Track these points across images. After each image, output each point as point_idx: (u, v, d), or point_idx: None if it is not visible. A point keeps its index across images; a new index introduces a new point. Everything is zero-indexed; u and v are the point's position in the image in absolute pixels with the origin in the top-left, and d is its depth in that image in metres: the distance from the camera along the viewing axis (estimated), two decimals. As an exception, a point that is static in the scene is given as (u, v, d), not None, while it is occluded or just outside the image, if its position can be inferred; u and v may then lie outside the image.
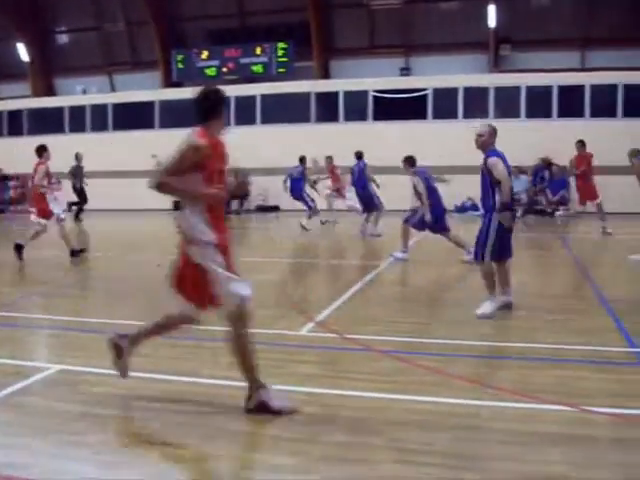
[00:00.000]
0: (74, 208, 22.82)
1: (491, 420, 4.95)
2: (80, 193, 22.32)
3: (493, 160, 7.87)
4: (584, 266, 11.46)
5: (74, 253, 13.06)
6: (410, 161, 12.51)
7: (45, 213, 12.86)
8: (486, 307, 7.91)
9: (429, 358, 6.27)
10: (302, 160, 19.76)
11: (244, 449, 4.38)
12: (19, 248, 12.51)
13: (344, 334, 7.04)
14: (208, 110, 5.08)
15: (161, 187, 4.76)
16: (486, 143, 8.07)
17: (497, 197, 7.90)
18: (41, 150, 13.37)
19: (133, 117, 27.26)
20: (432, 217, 11.85)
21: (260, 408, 4.78)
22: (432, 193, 11.92)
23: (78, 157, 22.26)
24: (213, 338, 6.33)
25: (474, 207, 23.67)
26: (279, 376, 5.61)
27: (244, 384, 4.91)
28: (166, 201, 26.35)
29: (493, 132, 8.13)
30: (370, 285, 10.17)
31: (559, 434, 4.59)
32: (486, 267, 7.94)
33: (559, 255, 13.50)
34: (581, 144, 15.62)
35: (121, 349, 5.16)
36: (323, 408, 4.97)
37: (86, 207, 22.60)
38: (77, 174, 22.22)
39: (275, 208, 24.98)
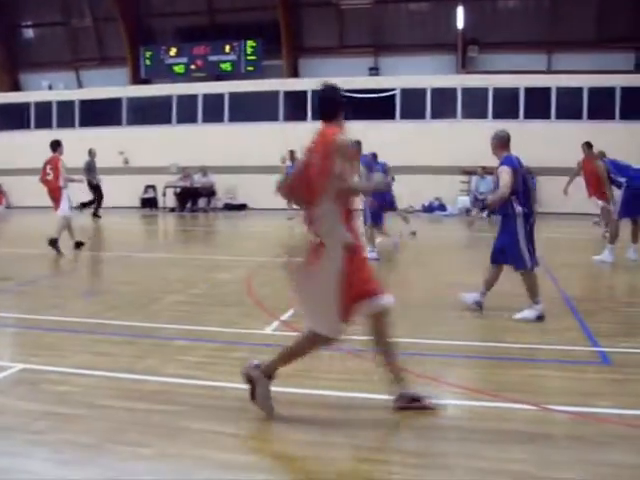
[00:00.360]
0: (91, 206, 22.12)
1: (454, 418, 5.00)
2: (96, 189, 21.79)
3: (501, 169, 7.84)
4: (548, 266, 11.58)
5: (78, 245, 13.74)
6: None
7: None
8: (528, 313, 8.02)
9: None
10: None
11: (206, 447, 4.36)
12: (54, 243, 12.99)
13: (309, 333, 7.04)
14: (338, 107, 5.11)
15: (355, 192, 4.85)
16: (496, 148, 8.12)
17: (515, 204, 7.85)
18: (55, 145, 13.71)
19: (100, 114, 26.99)
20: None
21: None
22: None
23: (92, 152, 21.70)
24: (173, 337, 6.31)
25: (441, 207, 23.85)
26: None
27: (205, 382, 4.88)
28: (134, 199, 26.32)
29: (502, 138, 8.17)
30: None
31: (521, 432, 4.64)
32: (530, 275, 7.93)
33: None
34: (587, 146, 14.64)
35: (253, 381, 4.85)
36: (285, 406, 4.96)
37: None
38: (92, 169, 21.71)
39: (243, 206, 24.93)
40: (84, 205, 22.12)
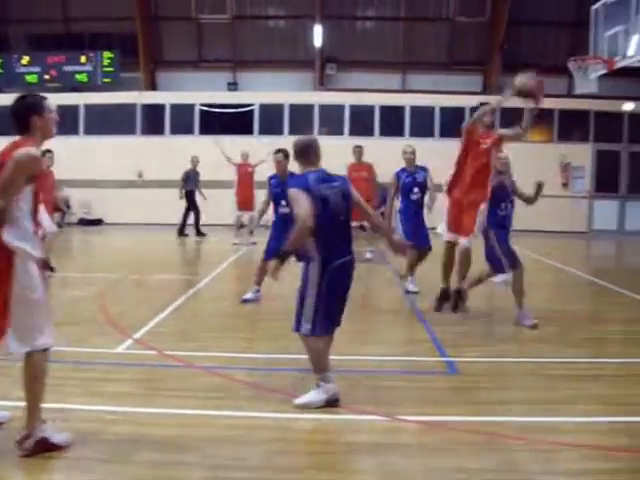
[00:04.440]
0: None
1: (307, 432, 5.04)
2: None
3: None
4: (399, 279, 11.89)
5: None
6: None
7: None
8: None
9: (248, 373, 6.30)
10: None
11: (50, 472, 4.20)
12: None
13: (163, 351, 6.93)
14: (28, 119, 4.64)
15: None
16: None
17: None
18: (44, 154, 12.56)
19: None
20: None
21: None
22: None
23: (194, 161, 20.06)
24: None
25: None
26: (89, 395, 5.44)
27: (51, 405, 4.69)
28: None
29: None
30: (192, 300, 10.07)
31: (372, 443, 4.74)
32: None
33: (378, 269, 13.94)
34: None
35: None
36: (135, 427, 4.85)
37: None
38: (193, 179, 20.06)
39: (99, 222, 24.24)
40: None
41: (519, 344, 7.67)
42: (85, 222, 24.10)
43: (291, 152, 5.90)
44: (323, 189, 5.38)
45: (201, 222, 20.08)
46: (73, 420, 4.89)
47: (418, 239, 10.32)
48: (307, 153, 5.61)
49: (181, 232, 19.94)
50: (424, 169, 10.99)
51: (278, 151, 9.60)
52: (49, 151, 13.10)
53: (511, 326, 8.33)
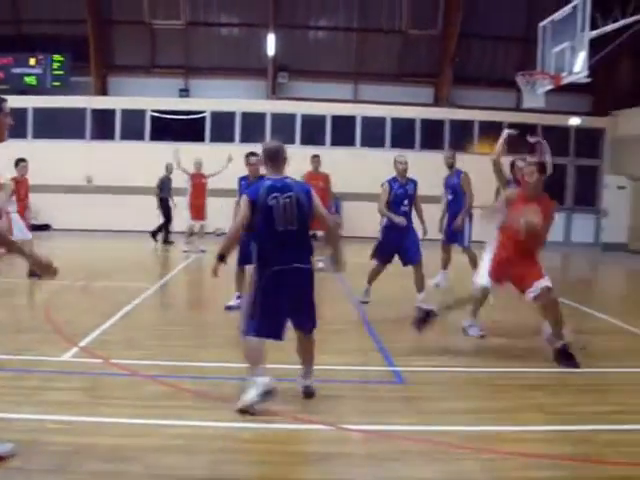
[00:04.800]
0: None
1: (253, 442, 5.03)
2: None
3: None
4: (350, 288, 11.95)
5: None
6: None
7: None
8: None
9: (195, 382, 6.26)
10: None
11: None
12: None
13: (109, 359, 6.85)
14: None
15: None
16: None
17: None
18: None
19: None
20: None
21: None
22: None
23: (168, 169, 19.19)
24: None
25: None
26: (33, 404, 5.34)
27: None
28: None
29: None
30: (140, 308, 9.97)
31: (319, 453, 4.76)
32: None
33: (328, 277, 13.97)
34: None
35: None
36: (79, 437, 4.78)
37: None
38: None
39: (46, 227, 23.86)
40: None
41: (466, 354, 7.76)
42: (32, 227, 23.63)
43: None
44: (270, 200, 5.55)
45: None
46: (15, 430, 4.79)
47: (408, 255, 10.30)
48: (276, 158, 5.84)
49: (166, 240, 19.49)
50: (414, 181, 10.70)
51: (252, 154, 9.85)
52: (23, 160, 12.90)
53: (459, 336, 8.42)
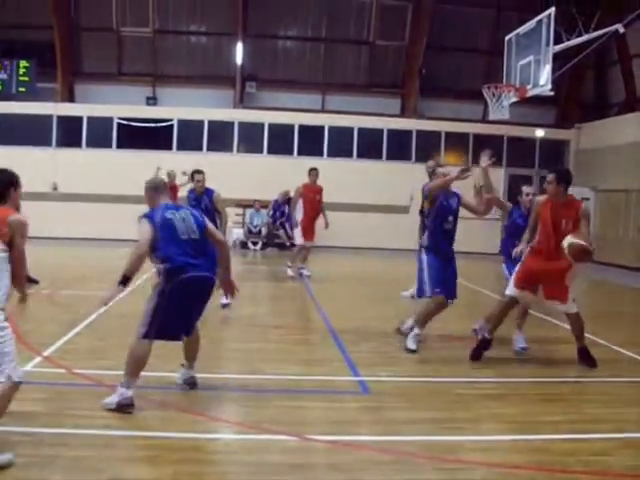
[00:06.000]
0: None
1: (217, 453, 5.04)
2: None
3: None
4: (316, 298, 11.99)
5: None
6: None
7: None
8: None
9: (159, 392, 6.25)
10: None
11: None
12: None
13: (73, 369, 6.81)
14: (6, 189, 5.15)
15: None
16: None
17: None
18: None
19: None
20: None
21: None
22: None
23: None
24: None
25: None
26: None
27: None
28: None
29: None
30: (104, 317, 9.88)
31: (281, 463, 4.77)
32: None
33: (294, 287, 14.03)
34: None
35: None
36: (42, 448, 4.75)
37: None
38: None
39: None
40: None
41: (430, 364, 7.82)
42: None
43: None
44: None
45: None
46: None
47: (448, 288, 8.43)
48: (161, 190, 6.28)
49: None
50: (457, 195, 8.79)
51: (198, 172, 11.49)
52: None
53: (423, 347, 8.47)
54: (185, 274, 5.74)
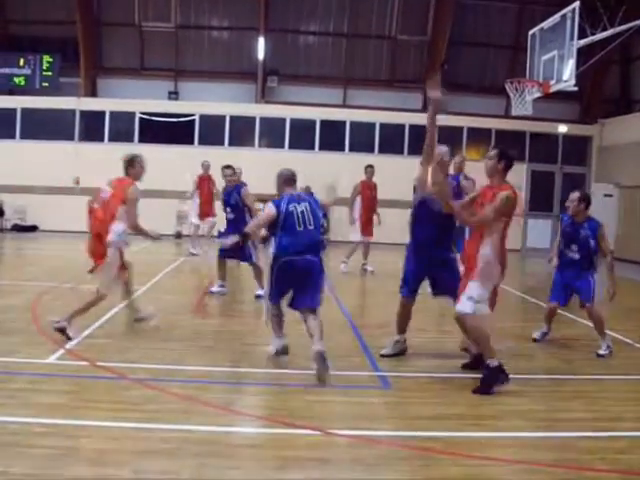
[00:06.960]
0: None
1: (240, 446, 5.05)
2: None
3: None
4: (336, 293, 11.97)
5: None
6: None
7: None
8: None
9: (182, 385, 6.27)
10: None
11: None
12: None
13: (96, 362, 6.85)
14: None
15: None
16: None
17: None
18: None
19: None
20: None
21: None
22: None
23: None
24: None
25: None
26: (18, 407, 5.34)
27: None
28: None
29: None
30: (127, 311, 9.93)
31: (304, 458, 4.78)
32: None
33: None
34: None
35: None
36: (65, 440, 4.78)
37: None
38: None
39: (33, 228, 23.78)
40: None
41: (451, 360, 7.78)
42: (19, 228, 23.63)
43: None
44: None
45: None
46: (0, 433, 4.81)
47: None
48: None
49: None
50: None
51: (227, 167, 11.95)
52: None
53: (444, 342, 8.45)
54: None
